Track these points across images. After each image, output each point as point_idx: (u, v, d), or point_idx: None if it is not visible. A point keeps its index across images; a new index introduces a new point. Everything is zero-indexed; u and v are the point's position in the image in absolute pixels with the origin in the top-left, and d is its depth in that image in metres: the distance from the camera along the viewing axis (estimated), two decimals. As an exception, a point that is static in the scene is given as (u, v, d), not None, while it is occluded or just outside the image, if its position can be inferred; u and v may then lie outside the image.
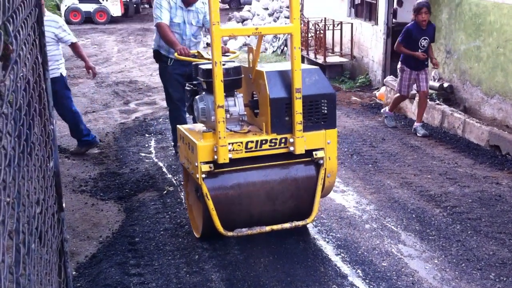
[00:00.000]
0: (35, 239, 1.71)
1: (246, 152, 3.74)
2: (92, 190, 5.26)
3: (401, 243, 4.08)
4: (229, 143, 3.67)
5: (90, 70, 6.36)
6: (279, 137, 3.79)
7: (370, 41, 10.23)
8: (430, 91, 7.77)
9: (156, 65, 12.90)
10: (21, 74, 1.51)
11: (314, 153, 3.89)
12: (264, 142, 3.77)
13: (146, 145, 6.72)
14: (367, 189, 5.15)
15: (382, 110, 7.67)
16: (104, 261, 3.87)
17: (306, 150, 3.84)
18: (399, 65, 7.16)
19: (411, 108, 7.76)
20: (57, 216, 2.51)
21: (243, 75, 3.98)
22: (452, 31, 7.62)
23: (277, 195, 3.90)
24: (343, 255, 3.90)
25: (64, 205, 2.62)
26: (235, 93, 3.95)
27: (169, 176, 5.55)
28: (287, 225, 3.87)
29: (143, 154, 6.34)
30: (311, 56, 11.64)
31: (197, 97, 4.04)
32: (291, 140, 3.79)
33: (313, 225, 4.35)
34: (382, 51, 9.71)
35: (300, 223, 3.91)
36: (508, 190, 5.05)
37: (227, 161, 3.67)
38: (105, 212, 4.75)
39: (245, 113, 3.96)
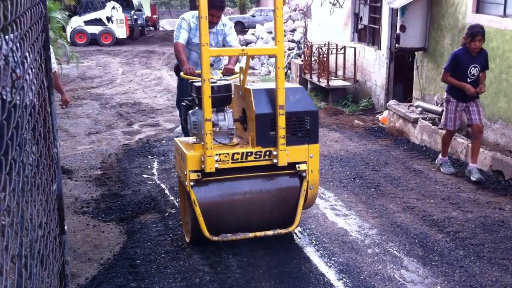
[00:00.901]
0: (37, 263, 1.71)
1: (232, 163, 4.02)
2: (94, 211, 5.25)
3: (404, 268, 4.05)
4: (216, 154, 3.95)
5: (64, 103, 5.98)
6: (263, 150, 4.08)
7: (373, 66, 10.30)
8: (433, 115, 7.77)
9: (160, 87, 13.16)
10: (28, 101, 1.53)
11: (297, 166, 4.16)
12: (249, 154, 4.05)
13: (149, 166, 6.74)
14: (370, 213, 5.14)
15: (437, 160, 6.61)
16: (105, 284, 3.86)
17: (289, 163, 4.12)
18: (445, 95, 6.39)
19: (413, 132, 7.77)
20: (59, 239, 2.51)
21: (233, 92, 4.30)
22: (455, 56, 7.65)
23: (262, 204, 4.16)
24: (345, 280, 3.87)
25: (66, 227, 2.62)
26: (225, 108, 4.26)
27: (171, 198, 5.54)
28: (270, 233, 4.14)
29: (145, 176, 6.34)
30: (314, 79, 11.71)
31: (190, 111, 4.35)
32: (275, 153, 4.06)
33: (315, 249, 4.34)
34: (385, 75, 9.78)
35: (283, 231, 4.18)
36: (511, 216, 5.03)
37: (213, 170, 3.95)
38: (106, 233, 4.74)
39: (234, 127, 4.25)
